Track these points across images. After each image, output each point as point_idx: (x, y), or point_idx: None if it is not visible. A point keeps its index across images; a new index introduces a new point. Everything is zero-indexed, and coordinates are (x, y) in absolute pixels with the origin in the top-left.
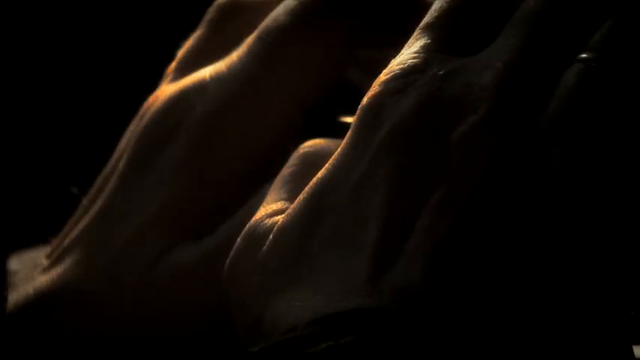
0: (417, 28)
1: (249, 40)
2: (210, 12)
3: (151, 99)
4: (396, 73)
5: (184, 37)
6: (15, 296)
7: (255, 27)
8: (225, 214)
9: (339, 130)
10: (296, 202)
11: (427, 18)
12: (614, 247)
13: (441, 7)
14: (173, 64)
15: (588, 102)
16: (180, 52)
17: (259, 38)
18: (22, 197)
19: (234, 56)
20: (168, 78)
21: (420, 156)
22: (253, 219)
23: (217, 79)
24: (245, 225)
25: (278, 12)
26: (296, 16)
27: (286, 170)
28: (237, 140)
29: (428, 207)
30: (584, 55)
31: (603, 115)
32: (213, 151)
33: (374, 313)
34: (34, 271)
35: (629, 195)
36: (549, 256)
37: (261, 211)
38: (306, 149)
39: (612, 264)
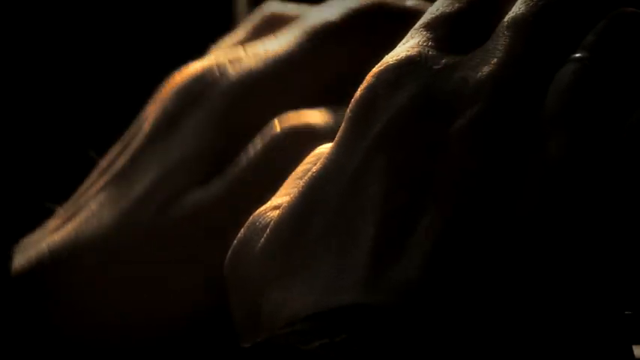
0: (412, 28)
1: (291, 30)
2: (254, 17)
3: (177, 75)
4: (390, 65)
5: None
6: (26, 256)
7: None
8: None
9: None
10: (292, 194)
11: (422, 19)
12: (614, 243)
13: (436, 9)
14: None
15: (584, 98)
16: (215, 48)
17: (303, 30)
18: (22, 197)
19: (272, 39)
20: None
21: (416, 151)
22: (257, 211)
23: (253, 55)
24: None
25: (325, 12)
26: (345, 17)
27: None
28: (266, 108)
29: (426, 203)
30: (578, 55)
31: (599, 111)
32: (241, 114)
33: (372, 310)
34: (45, 232)
35: (626, 191)
36: (550, 252)
37: (267, 204)
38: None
39: (612, 261)
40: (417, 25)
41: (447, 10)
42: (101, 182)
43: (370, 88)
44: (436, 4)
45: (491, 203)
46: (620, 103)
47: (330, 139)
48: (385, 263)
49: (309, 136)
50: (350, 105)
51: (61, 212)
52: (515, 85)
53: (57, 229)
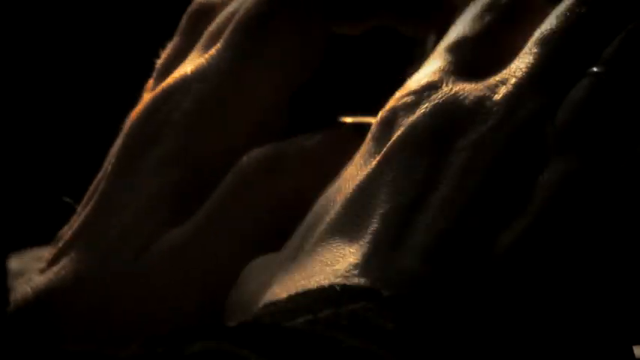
0: (436, 49)
1: (227, 33)
2: (182, 20)
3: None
4: (412, 90)
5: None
6: (13, 297)
7: (228, 21)
8: (202, 197)
9: None
10: None
11: (447, 40)
12: (615, 246)
13: (462, 31)
14: (153, 76)
15: (597, 114)
16: (158, 63)
17: (235, 29)
18: (21, 198)
19: (214, 50)
20: (149, 88)
21: (426, 158)
22: None
23: (199, 74)
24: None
25: (251, 1)
26: (271, 2)
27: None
28: (223, 132)
29: (429, 203)
30: (594, 69)
31: (612, 127)
32: (200, 144)
33: (359, 292)
34: (31, 273)
35: (631, 204)
36: (552, 253)
37: None
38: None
39: (612, 263)
40: (440, 47)
41: (473, 30)
42: (76, 225)
43: (391, 110)
44: (461, 21)
45: (491, 209)
46: (637, 118)
47: (300, 166)
48: (381, 256)
49: (278, 167)
50: (371, 128)
51: (46, 255)
52: (529, 104)
53: (41, 272)
